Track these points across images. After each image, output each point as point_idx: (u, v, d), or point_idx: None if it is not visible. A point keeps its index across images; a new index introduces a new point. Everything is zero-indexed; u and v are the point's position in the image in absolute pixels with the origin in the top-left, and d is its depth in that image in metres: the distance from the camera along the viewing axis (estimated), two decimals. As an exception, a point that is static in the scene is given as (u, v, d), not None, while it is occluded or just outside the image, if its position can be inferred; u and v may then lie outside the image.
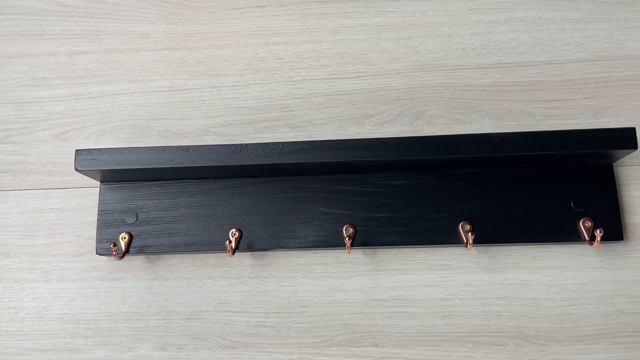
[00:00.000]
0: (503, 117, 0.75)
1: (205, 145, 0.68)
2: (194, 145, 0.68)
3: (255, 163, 0.67)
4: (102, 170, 0.69)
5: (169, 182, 0.74)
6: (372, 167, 0.70)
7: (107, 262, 0.75)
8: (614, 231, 0.68)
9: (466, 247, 0.67)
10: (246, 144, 0.67)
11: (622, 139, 0.63)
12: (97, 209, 0.76)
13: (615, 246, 0.70)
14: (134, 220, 0.73)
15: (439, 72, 0.78)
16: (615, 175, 0.71)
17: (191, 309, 0.73)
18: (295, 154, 0.66)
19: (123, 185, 0.75)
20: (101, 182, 0.75)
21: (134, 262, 0.75)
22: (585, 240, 0.67)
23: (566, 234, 0.68)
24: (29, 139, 0.80)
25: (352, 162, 0.66)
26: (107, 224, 0.74)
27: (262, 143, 0.67)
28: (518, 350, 0.68)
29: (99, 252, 0.73)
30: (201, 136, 0.78)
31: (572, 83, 0.75)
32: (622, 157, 0.67)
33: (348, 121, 0.77)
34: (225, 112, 0.79)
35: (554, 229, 0.69)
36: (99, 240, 0.73)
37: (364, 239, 0.71)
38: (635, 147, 0.63)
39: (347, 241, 0.67)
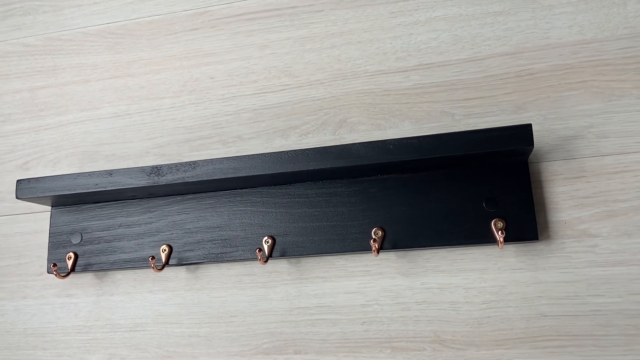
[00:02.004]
0: (422, 120, 0.74)
1: (126, 169, 0.72)
2: (116, 169, 0.73)
3: (171, 182, 0.70)
4: (40, 197, 0.75)
5: (109, 203, 0.80)
6: (290, 178, 0.72)
7: (62, 280, 0.81)
8: (528, 231, 0.65)
9: (373, 253, 0.67)
10: (161, 165, 0.71)
11: (517, 136, 0.61)
12: (52, 231, 0.82)
13: (537, 245, 0.67)
14: (79, 240, 0.79)
15: (360, 78, 0.78)
16: (532, 172, 0.68)
17: (133, 322, 0.78)
18: (205, 170, 0.69)
19: (70, 208, 0.81)
20: (52, 206, 0.82)
21: (84, 279, 0.81)
22: (501, 243, 0.65)
23: (481, 236, 0.67)
24: (-2, 170, 0.89)
25: (252, 176, 0.68)
26: (56, 245, 0.80)
27: (176, 163, 0.71)
28: (436, 355, 0.67)
29: (49, 272, 0.80)
30: (142, 157, 0.83)
31: (492, 79, 0.73)
32: (529, 153, 0.64)
33: (274, 134, 0.79)
34: (163, 133, 0.83)
35: (469, 231, 0.67)
36: (49, 260, 0.80)
37: (283, 249, 0.72)
38: (532, 144, 0.60)
39: (259, 253, 0.69)
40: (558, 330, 0.65)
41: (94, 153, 0.85)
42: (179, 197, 0.77)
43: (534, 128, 0.70)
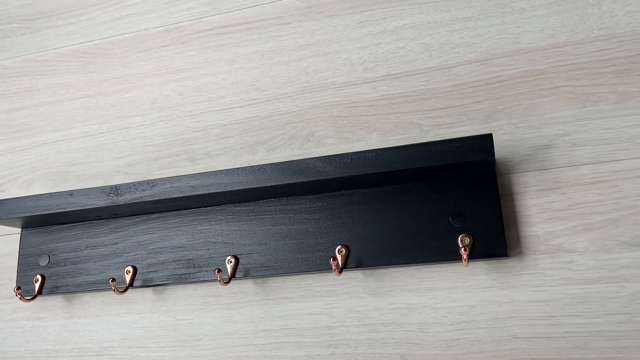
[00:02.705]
0: (390, 132, 0.71)
1: (86, 189, 0.71)
2: (77, 190, 0.71)
3: (129, 202, 0.69)
4: (5, 219, 0.74)
5: (75, 224, 0.78)
6: (253, 195, 0.70)
7: (32, 303, 0.80)
8: (496, 246, 0.61)
9: (334, 272, 0.64)
10: (120, 185, 0.70)
11: (477, 147, 0.57)
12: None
13: (508, 262, 0.63)
14: (46, 262, 0.78)
15: (328, 90, 0.75)
16: (502, 184, 0.65)
17: (100, 345, 0.76)
18: (163, 189, 0.67)
19: (39, 230, 0.80)
20: (22, 228, 0.81)
21: (54, 301, 0.80)
22: (466, 260, 0.61)
23: (448, 253, 0.63)
24: (-25, 192, 0.88)
25: (211, 194, 0.66)
26: (25, 267, 0.79)
27: (134, 182, 0.69)
28: (403, 381, 0.64)
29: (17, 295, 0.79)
30: (112, 176, 0.82)
31: (461, 87, 0.70)
32: (492, 164, 0.61)
33: (242, 150, 0.77)
34: (133, 151, 0.82)
35: (435, 249, 0.63)
36: (18, 283, 0.79)
37: (247, 268, 0.70)
38: (492, 155, 0.57)
39: (218, 274, 0.67)
40: (531, 353, 0.60)
41: (66, 173, 0.84)
42: (144, 217, 0.76)
43: (504, 137, 0.66)
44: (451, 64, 0.71)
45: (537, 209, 0.63)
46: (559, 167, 0.64)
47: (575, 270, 0.61)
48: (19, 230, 0.83)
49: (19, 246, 0.81)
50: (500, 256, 0.61)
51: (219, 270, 0.67)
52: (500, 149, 0.66)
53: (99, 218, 0.77)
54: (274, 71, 0.78)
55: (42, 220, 0.78)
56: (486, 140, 0.57)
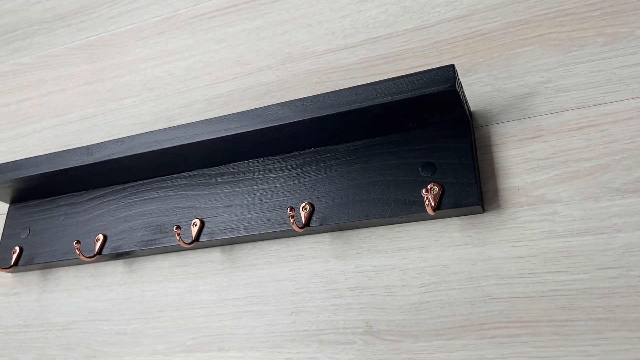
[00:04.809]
0: (367, 93, 0.67)
1: (61, 151, 0.71)
2: (52, 153, 0.71)
3: (98, 160, 0.68)
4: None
5: (58, 196, 0.78)
6: (224, 157, 0.67)
7: (9, 278, 0.79)
8: (468, 195, 0.55)
9: (292, 226, 0.59)
10: (91, 145, 0.69)
11: (437, 79, 0.53)
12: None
13: (485, 217, 0.56)
14: (27, 234, 0.78)
15: (308, 59, 0.74)
16: (480, 136, 0.59)
17: (67, 320, 0.73)
18: (130, 145, 0.66)
19: (26, 204, 0.80)
20: (10, 203, 0.81)
21: (30, 276, 0.78)
22: (430, 207, 0.55)
23: (417, 205, 0.57)
24: (-22, 177, 0.91)
25: (179, 148, 0.64)
26: (7, 239, 0.79)
27: (104, 141, 0.69)
28: (366, 349, 0.56)
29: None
30: (100, 155, 0.82)
31: (440, 44, 0.66)
32: (459, 102, 0.55)
33: (222, 122, 0.75)
34: (121, 130, 0.82)
35: (404, 201, 0.58)
36: (-1, 257, 0.78)
37: (211, 231, 0.66)
38: (454, 86, 0.52)
39: (176, 230, 0.63)
40: (509, 316, 0.52)
41: (59, 155, 0.85)
42: (120, 186, 0.74)
43: (483, 89, 0.62)
44: (431, 23, 0.68)
45: (517, 159, 0.57)
46: (542, 115, 0.58)
47: (559, 222, 0.53)
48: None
49: (4, 222, 0.81)
50: (471, 205, 0.55)
51: (178, 227, 0.63)
52: (479, 101, 0.61)
53: (80, 190, 0.76)
54: (259, 46, 0.78)
55: (27, 194, 0.78)
56: (446, 71, 0.53)
